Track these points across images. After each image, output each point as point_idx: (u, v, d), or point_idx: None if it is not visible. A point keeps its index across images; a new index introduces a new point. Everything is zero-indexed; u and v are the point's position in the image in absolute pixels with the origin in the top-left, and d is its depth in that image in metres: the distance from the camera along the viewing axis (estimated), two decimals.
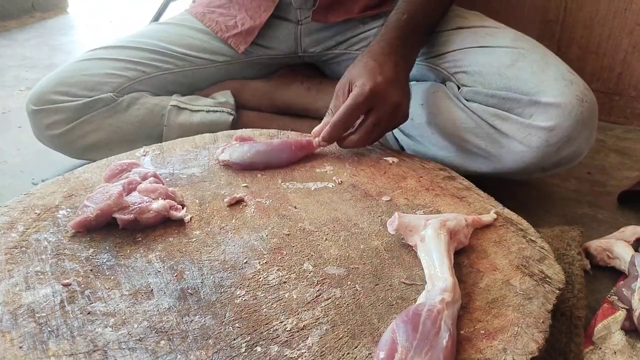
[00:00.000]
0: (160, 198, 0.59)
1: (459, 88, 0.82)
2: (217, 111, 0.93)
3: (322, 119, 0.76)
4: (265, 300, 0.48)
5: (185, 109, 0.92)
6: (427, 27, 0.82)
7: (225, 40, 0.97)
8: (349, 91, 0.72)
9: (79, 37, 2.01)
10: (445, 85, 0.84)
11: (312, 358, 0.43)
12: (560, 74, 0.75)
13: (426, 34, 0.82)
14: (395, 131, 0.88)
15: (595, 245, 0.72)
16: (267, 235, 0.57)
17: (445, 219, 0.55)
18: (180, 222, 0.59)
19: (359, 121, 0.73)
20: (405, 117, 0.75)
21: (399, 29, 0.76)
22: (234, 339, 0.44)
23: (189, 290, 0.49)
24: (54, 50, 1.81)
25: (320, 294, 0.49)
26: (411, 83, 0.88)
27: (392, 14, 0.79)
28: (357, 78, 0.72)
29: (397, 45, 0.75)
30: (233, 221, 0.59)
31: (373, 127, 0.72)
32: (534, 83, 0.74)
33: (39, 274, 0.50)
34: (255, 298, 0.48)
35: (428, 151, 0.85)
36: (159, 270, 0.51)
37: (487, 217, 0.60)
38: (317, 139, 0.73)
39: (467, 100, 0.80)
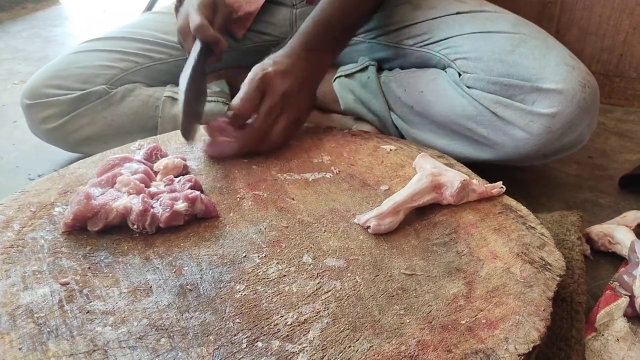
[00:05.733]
0: (134, 192, 0.58)
1: (459, 75, 0.81)
2: (211, 101, 0.92)
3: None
4: (265, 294, 0.48)
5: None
6: (344, 28, 0.79)
7: None
8: None
9: (72, 28, 1.99)
10: (445, 71, 0.83)
11: (314, 352, 0.42)
12: (562, 60, 0.74)
13: (344, 33, 0.80)
14: (395, 118, 0.87)
15: (596, 230, 0.72)
16: (265, 228, 0.57)
17: (440, 173, 0.59)
18: None
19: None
20: (302, 109, 0.72)
21: (303, 35, 0.75)
22: (235, 335, 0.44)
23: (188, 286, 0.49)
24: (47, 42, 1.79)
25: (320, 287, 0.49)
26: (410, 70, 0.87)
27: (307, 17, 0.77)
28: None
29: (301, 49, 0.74)
30: (231, 215, 0.59)
31: (268, 114, 0.69)
32: (536, 69, 0.73)
33: (37, 273, 0.50)
34: (255, 292, 0.48)
35: (428, 139, 0.84)
36: (157, 266, 0.51)
37: (496, 190, 0.62)
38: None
39: (468, 87, 0.79)
